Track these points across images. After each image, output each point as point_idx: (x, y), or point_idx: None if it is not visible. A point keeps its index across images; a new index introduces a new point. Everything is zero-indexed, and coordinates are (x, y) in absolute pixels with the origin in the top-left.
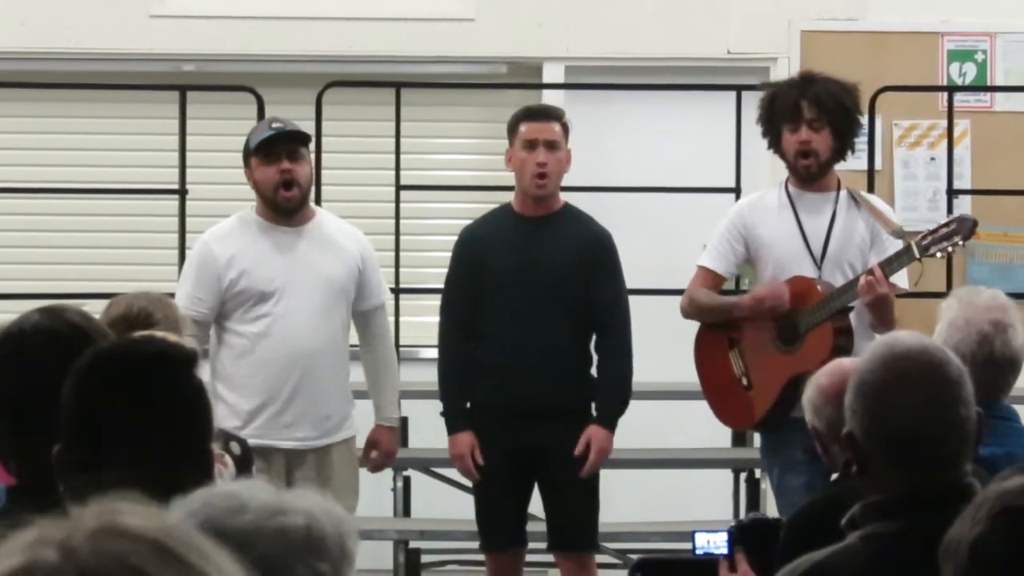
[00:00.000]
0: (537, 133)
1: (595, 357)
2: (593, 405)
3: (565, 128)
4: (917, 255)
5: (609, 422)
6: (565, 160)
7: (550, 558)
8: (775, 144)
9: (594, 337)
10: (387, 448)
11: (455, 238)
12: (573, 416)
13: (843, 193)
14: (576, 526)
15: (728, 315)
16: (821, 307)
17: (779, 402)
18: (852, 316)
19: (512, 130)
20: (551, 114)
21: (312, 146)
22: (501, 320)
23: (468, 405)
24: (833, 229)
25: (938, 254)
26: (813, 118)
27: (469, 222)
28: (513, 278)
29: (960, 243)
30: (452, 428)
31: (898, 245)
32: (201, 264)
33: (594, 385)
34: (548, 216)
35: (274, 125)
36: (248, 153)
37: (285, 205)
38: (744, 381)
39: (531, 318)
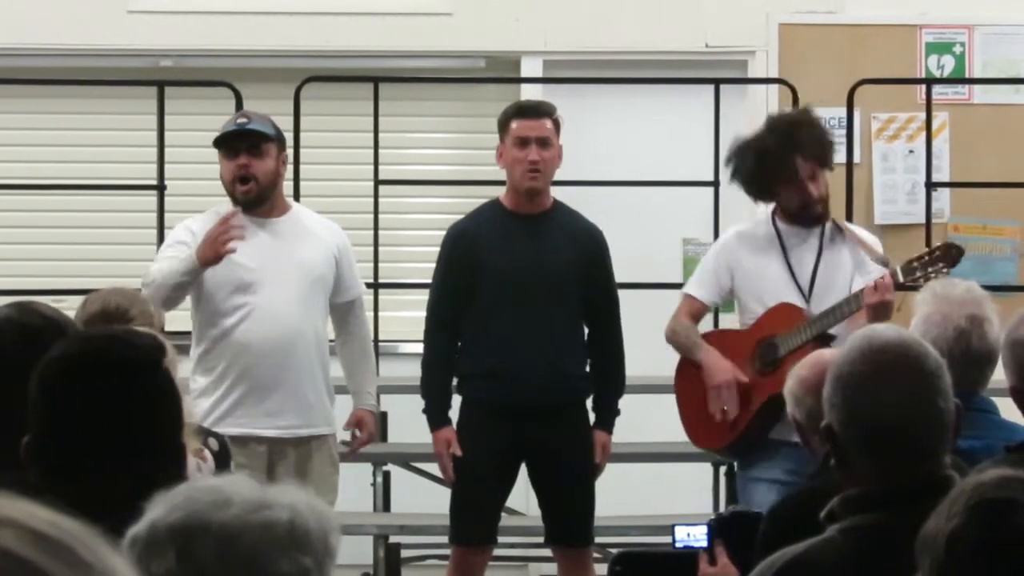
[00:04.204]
0: (529, 131)
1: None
2: (588, 403)
3: (556, 124)
4: (901, 279)
5: (610, 426)
6: (557, 156)
7: (531, 552)
8: (764, 196)
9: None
10: (371, 430)
11: (434, 232)
12: (571, 412)
13: (828, 225)
14: (575, 521)
15: (692, 359)
16: (802, 331)
17: (754, 423)
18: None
19: (503, 127)
20: (542, 110)
21: (290, 141)
22: (500, 319)
23: (461, 402)
24: (820, 264)
25: (922, 280)
26: (812, 170)
27: (455, 218)
28: (513, 277)
29: (944, 271)
30: (435, 424)
31: (883, 271)
32: (181, 243)
33: (589, 379)
34: (541, 214)
35: (238, 121)
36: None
37: (242, 199)
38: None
39: (531, 316)
